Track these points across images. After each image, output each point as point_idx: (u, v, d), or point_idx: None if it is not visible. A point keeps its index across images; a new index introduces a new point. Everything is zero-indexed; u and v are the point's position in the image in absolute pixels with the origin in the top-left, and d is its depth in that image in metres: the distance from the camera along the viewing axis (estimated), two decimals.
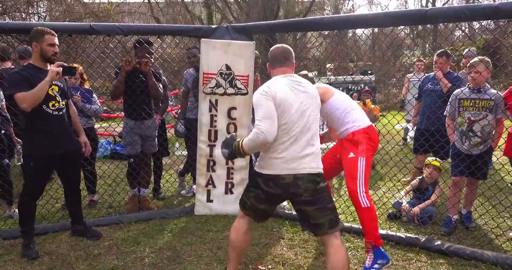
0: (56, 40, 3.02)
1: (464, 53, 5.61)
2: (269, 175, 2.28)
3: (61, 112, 3.10)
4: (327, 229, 2.28)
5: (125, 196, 4.33)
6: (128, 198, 4.17)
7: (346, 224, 3.52)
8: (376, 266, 2.65)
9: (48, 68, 2.97)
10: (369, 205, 2.71)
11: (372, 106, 6.24)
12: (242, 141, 2.30)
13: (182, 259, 3.00)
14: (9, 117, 3.93)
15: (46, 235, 3.42)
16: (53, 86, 3.02)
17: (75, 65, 3.43)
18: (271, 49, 2.51)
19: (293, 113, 2.27)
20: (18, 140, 3.94)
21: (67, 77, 3.28)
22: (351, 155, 2.79)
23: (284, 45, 2.51)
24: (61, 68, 2.92)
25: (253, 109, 2.36)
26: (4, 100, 3.90)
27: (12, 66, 4.48)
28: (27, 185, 3.11)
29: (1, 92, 3.89)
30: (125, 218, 3.76)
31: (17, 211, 3.23)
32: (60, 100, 3.08)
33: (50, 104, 3.00)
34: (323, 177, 2.35)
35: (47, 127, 3.01)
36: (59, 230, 3.50)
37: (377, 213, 3.88)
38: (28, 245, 3.07)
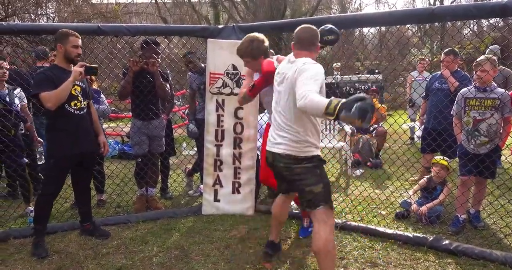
0: (80, 42, 3.10)
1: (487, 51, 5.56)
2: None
3: (82, 112, 3.18)
4: (305, 207, 2.48)
5: (133, 195, 4.35)
6: (136, 197, 4.20)
7: (353, 223, 3.52)
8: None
9: (71, 69, 3.05)
10: None
11: (379, 105, 6.22)
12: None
13: (190, 258, 3.01)
14: (31, 116, 3.99)
15: (56, 234, 3.46)
16: (75, 86, 3.10)
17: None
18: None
19: (274, 97, 2.57)
20: (41, 140, 3.97)
21: (88, 77, 3.35)
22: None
23: (302, 26, 2.49)
24: (84, 69, 3.00)
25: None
26: (24, 100, 3.95)
27: (7, 66, 4.51)
28: (46, 184, 3.15)
29: (22, 93, 3.95)
30: (133, 218, 3.79)
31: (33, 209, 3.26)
32: (82, 100, 3.16)
33: (73, 103, 3.08)
34: (298, 160, 2.43)
35: (68, 126, 3.08)
36: (68, 229, 3.54)
37: (384, 212, 3.91)
38: (38, 244, 3.11)
